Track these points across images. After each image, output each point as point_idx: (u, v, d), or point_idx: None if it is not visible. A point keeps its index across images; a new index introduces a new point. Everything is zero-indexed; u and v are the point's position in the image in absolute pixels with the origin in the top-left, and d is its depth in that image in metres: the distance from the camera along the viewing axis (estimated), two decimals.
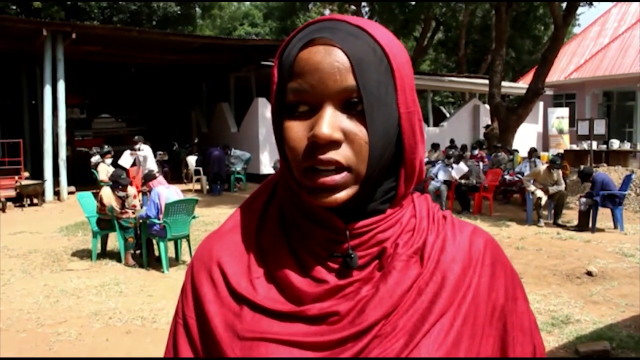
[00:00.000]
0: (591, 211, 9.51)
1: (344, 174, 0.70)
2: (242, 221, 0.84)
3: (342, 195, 0.71)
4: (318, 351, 0.72)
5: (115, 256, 7.63)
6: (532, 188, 10.21)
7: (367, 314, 0.73)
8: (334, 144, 0.69)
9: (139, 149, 12.88)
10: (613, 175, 12.47)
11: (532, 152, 13.19)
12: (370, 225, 0.76)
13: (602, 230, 9.48)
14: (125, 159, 12.76)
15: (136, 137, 13.41)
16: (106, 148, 13.38)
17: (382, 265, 0.76)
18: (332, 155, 0.69)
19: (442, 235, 0.80)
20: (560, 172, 10.40)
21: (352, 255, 0.74)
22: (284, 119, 0.73)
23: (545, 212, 10.28)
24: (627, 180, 10.46)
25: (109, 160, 12.61)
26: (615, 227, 9.57)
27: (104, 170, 12.27)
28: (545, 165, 10.63)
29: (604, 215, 9.89)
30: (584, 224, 9.52)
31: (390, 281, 0.74)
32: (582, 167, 10.70)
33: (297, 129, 0.71)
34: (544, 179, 10.21)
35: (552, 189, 10.04)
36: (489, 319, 0.78)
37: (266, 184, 0.87)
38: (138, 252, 7.51)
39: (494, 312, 0.79)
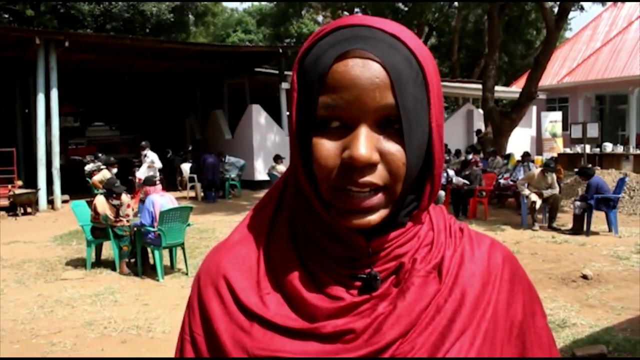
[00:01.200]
0: (585, 214, 9.54)
1: (379, 196, 0.67)
2: (249, 233, 0.81)
3: (376, 217, 0.67)
4: None
5: (109, 265, 7.59)
6: (526, 192, 10.24)
7: (384, 333, 0.69)
8: (371, 166, 0.65)
9: (145, 155, 12.97)
10: (607, 178, 12.51)
11: (525, 156, 13.25)
12: (390, 240, 0.73)
13: (596, 233, 9.50)
14: (143, 172, 12.66)
15: (143, 143, 13.47)
16: (112, 159, 13.16)
17: (399, 281, 0.73)
18: (369, 178, 0.65)
19: (460, 250, 0.77)
20: (554, 175, 10.44)
21: (377, 278, 0.72)
22: (312, 134, 0.68)
23: (539, 216, 10.30)
24: (620, 184, 10.50)
25: (114, 170, 12.45)
26: (610, 230, 9.59)
27: (102, 177, 12.13)
28: (540, 169, 10.68)
29: (598, 219, 9.92)
30: (579, 227, 9.55)
31: (408, 298, 0.71)
32: (587, 166, 10.66)
33: (328, 146, 0.67)
34: (538, 182, 10.26)
35: (547, 193, 10.08)
36: (507, 336, 0.76)
37: (271, 192, 0.83)
38: (133, 260, 7.47)
39: (512, 328, 0.77)
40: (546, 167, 10.46)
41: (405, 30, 0.70)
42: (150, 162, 12.96)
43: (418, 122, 0.68)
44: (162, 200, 7.22)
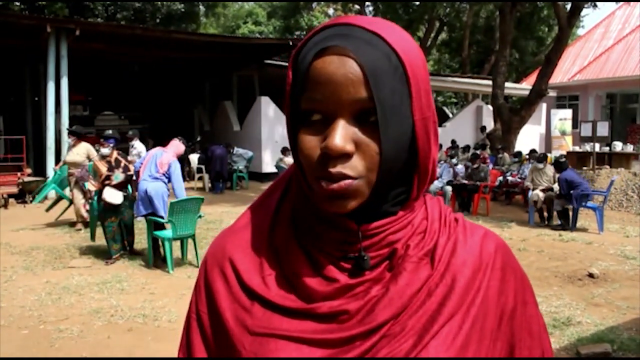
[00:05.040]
0: (571, 210, 9.69)
1: (355, 182, 0.70)
2: (255, 219, 0.85)
3: (352, 203, 0.71)
4: (326, 348, 0.73)
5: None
6: (527, 184, 10.65)
7: (376, 314, 0.73)
8: (346, 156, 0.69)
9: (132, 146, 12.05)
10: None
11: (532, 153, 13.22)
12: (382, 226, 0.76)
13: (585, 230, 9.61)
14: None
15: (130, 133, 12.44)
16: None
17: (393, 266, 0.76)
18: (341, 169, 0.69)
19: (454, 238, 0.80)
20: (552, 170, 10.49)
21: (365, 258, 0.76)
22: (298, 127, 0.73)
23: (546, 214, 10.28)
24: (610, 184, 10.54)
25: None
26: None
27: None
28: (533, 164, 10.96)
29: (605, 217, 9.89)
30: (565, 223, 9.70)
31: (400, 282, 0.75)
32: (561, 159, 10.68)
33: (310, 138, 0.71)
34: (537, 176, 10.40)
35: (556, 187, 10.06)
36: (497, 323, 0.79)
37: (279, 181, 0.88)
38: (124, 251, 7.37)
39: (503, 316, 0.80)
40: (538, 160, 10.75)
41: (389, 27, 0.73)
42: (137, 154, 11.62)
43: (396, 115, 0.71)
44: (156, 153, 7.27)
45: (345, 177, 0.69)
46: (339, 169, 0.69)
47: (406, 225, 0.78)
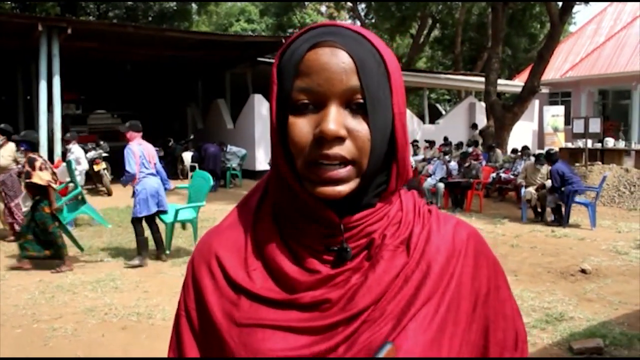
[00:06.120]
0: (563, 205, 9.71)
1: (348, 168, 0.75)
2: (238, 218, 0.89)
3: (345, 188, 0.75)
4: (311, 335, 0.77)
5: (110, 252, 7.62)
6: (519, 180, 10.72)
7: (356, 301, 0.78)
8: (339, 140, 0.74)
9: (70, 150, 10.93)
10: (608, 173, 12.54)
11: (524, 150, 13.26)
12: (362, 219, 0.81)
13: (577, 226, 9.64)
14: (62, 171, 9.75)
15: (68, 135, 11.29)
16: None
17: (371, 255, 0.81)
18: (337, 150, 0.73)
19: (428, 228, 0.85)
20: (547, 167, 10.53)
21: (348, 249, 0.80)
22: (288, 116, 0.76)
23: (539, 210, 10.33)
24: (602, 180, 10.59)
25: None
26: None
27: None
28: (531, 161, 10.90)
29: (596, 213, 9.95)
30: (559, 219, 9.75)
31: (378, 270, 0.79)
32: (552, 151, 10.70)
33: (301, 125, 0.75)
34: (531, 174, 10.44)
35: (548, 184, 10.10)
36: (472, 307, 0.84)
37: (261, 182, 0.92)
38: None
39: (477, 300, 0.84)
40: (537, 158, 10.68)
41: (369, 31, 0.81)
42: (76, 159, 10.33)
43: (381, 105, 0.77)
44: (140, 148, 7.07)
45: (341, 158, 0.74)
46: (335, 150, 0.73)
47: (383, 217, 0.82)
